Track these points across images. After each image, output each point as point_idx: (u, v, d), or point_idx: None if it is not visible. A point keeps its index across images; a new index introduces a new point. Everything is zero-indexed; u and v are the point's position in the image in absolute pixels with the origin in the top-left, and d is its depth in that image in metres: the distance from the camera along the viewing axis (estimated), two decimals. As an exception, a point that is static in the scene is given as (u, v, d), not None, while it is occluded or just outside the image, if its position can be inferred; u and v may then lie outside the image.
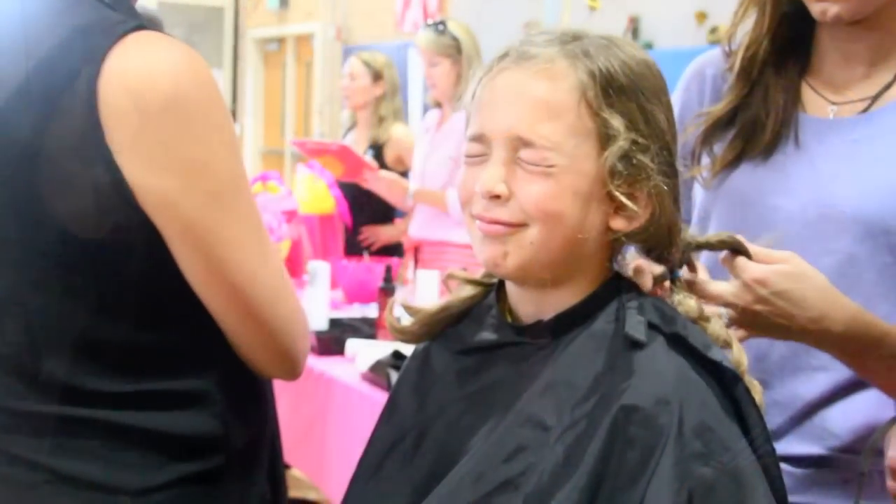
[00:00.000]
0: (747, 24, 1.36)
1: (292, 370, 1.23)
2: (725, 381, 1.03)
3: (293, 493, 1.41)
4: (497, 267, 1.05)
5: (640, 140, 1.02)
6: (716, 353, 1.04)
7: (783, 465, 1.08)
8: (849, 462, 1.27)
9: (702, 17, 5.24)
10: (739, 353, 1.07)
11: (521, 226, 1.02)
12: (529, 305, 1.08)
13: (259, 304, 1.16)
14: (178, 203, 1.11)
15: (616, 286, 1.07)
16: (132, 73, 1.10)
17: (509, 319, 1.10)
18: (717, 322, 1.09)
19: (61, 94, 1.10)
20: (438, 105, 3.81)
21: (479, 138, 1.04)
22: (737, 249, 1.15)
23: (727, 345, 1.08)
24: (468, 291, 1.15)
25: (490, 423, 1.05)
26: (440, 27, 3.70)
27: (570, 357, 1.04)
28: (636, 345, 1.02)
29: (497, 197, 1.02)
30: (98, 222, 1.11)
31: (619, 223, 1.04)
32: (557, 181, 1.01)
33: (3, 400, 1.18)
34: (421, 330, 1.16)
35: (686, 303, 1.09)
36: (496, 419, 1.04)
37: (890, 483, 1.16)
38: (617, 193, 1.02)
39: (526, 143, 1.01)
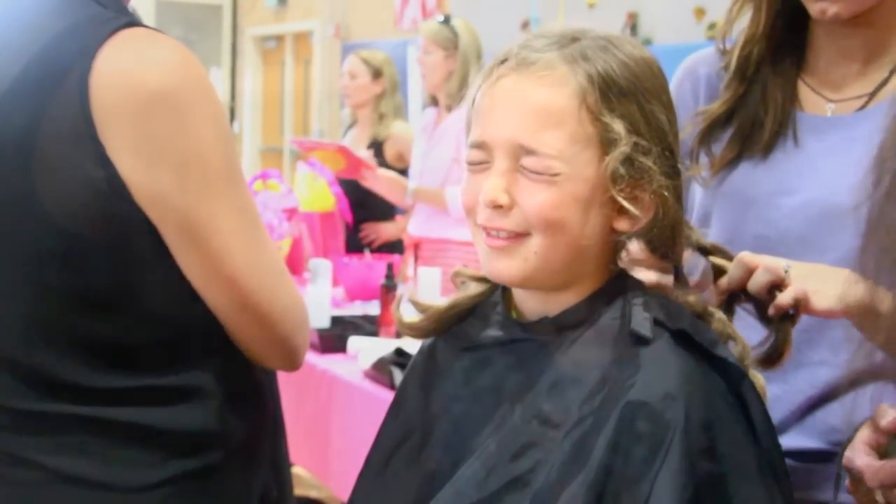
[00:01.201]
0: (741, 22, 1.36)
1: (292, 361, 1.24)
2: (731, 377, 1.04)
3: (296, 490, 1.41)
4: (502, 280, 1.06)
5: (642, 142, 1.02)
6: (721, 350, 1.04)
7: (786, 460, 1.09)
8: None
9: (700, 13, 5.24)
10: (743, 348, 1.08)
11: (524, 235, 1.03)
12: (535, 304, 1.09)
13: (257, 296, 1.17)
14: (173, 196, 1.12)
15: (621, 284, 1.07)
16: (123, 68, 1.11)
17: (515, 316, 1.11)
18: (720, 317, 1.10)
19: (53, 91, 1.11)
20: (435, 103, 3.81)
21: (480, 146, 1.05)
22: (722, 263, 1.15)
23: (731, 339, 1.09)
24: (474, 289, 1.16)
25: (496, 419, 1.06)
26: (444, 20, 3.73)
27: (575, 354, 1.05)
28: (642, 341, 1.03)
29: (500, 206, 1.03)
30: (93, 218, 1.12)
31: (622, 224, 1.05)
32: (560, 189, 1.01)
33: (3, 399, 1.18)
34: (430, 326, 1.16)
35: (689, 299, 1.10)
36: (502, 416, 1.05)
37: (847, 482, 1.16)
38: (619, 198, 1.02)
39: (528, 152, 1.01)
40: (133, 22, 1.15)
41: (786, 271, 1.10)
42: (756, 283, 1.11)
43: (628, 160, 1.01)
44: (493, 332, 1.12)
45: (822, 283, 1.12)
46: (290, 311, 1.20)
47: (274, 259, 1.19)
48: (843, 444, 1.18)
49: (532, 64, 1.02)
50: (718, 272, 1.14)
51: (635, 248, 1.09)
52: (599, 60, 1.02)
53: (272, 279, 1.18)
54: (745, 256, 1.12)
